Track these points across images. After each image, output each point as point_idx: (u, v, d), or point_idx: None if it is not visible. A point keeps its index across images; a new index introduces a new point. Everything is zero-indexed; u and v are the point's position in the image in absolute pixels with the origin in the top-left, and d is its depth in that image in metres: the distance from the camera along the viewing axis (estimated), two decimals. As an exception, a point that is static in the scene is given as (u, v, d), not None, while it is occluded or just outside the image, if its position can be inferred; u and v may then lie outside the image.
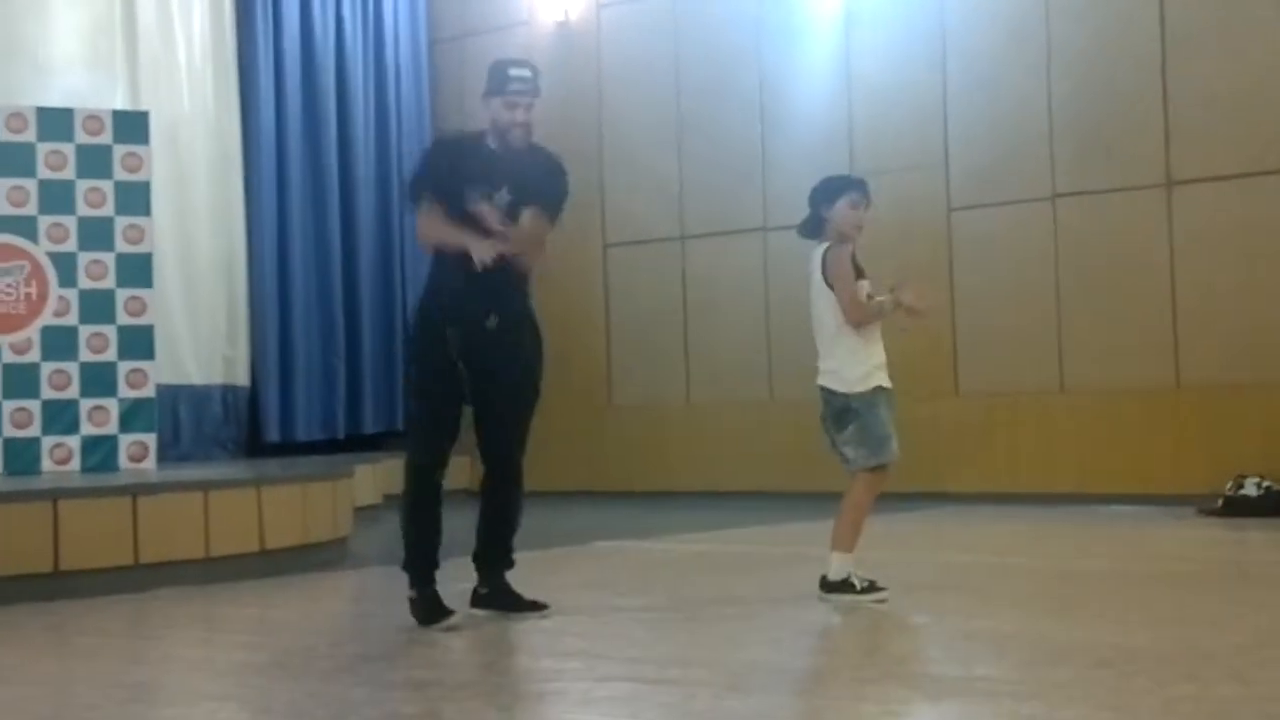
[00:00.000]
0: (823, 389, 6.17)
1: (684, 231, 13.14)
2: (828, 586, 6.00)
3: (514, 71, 5.81)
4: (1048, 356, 11.36)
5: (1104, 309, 11.13)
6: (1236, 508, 9.68)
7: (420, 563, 5.78)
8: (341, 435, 13.41)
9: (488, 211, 5.67)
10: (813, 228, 6.22)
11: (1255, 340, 10.52)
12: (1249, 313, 10.57)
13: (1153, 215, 10.97)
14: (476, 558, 5.99)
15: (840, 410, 6.11)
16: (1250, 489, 9.80)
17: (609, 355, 13.43)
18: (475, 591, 5.98)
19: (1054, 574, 7.12)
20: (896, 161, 11.84)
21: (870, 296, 6.12)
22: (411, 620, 5.71)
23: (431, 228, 5.79)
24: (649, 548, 8.78)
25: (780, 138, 12.59)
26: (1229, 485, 9.90)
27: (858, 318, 6.06)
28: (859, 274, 6.10)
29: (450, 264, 5.73)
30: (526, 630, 5.69)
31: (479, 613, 5.91)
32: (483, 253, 5.58)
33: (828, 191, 6.20)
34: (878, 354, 6.15)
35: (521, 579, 6.07)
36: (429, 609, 5.70)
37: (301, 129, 13.40)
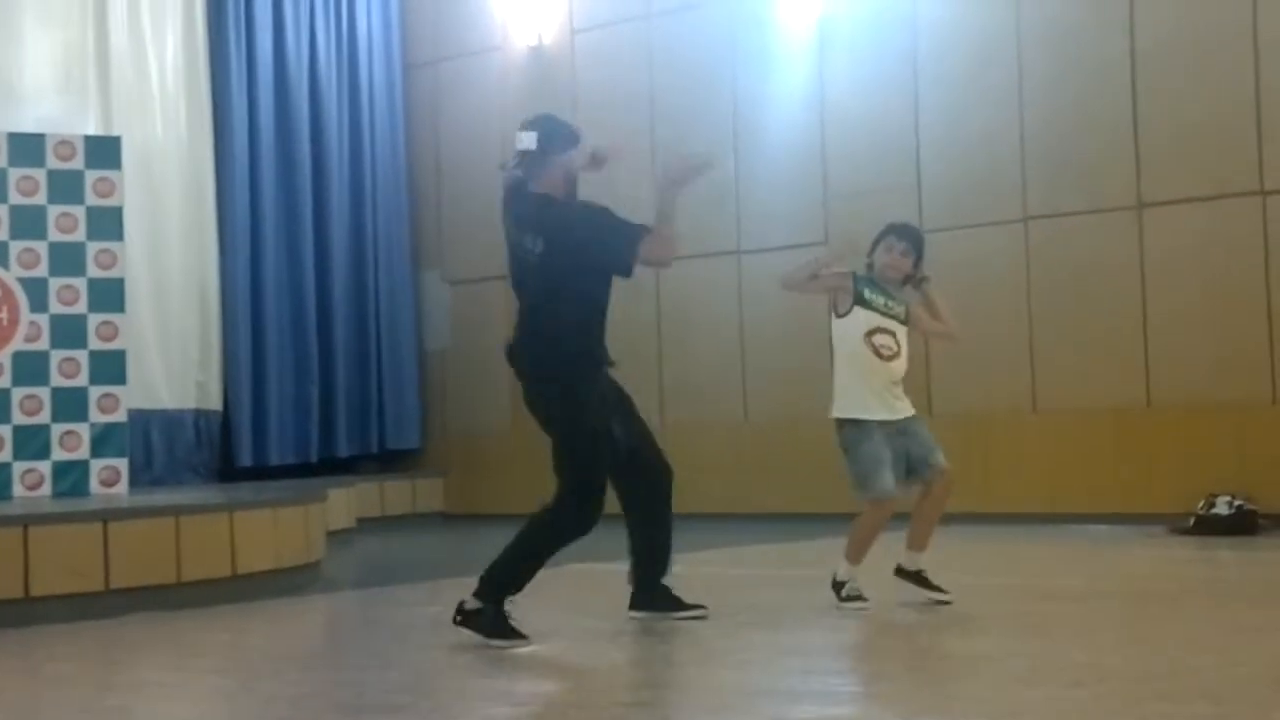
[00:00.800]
0: None
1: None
2: (833, 582, 6.39)
3: (575, 126, 6.37)
4: (1020, 377, 11.39)
5: (1076, 330, 11.17)
6: (1208, 527, 9.72)
7: (518, 588, 5.80)
8: (315, 459, 13.38)
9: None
10: (867, 270, 6.63)
11: (1226, 360, 10.56)
12: (1220, 333, 10.62)
13: (1124, 237, 11.02)
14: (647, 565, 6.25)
15: (839, 441, 6.35)
16: (1222, 508, 9.84)
17: (583, 378, 13.41)
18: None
19: (1027, 594, 7.13)
20: (869, 184, 11.87)
21: (874, 331, 6.45)
22: (386, 643, 5.68)
23: (666, 231, 6.02)
24: (622, 570, 8.75)
25: (754, 162, 12.61)
26: (1200, 504, 9.93)
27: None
28: (863, 303, 6.46)
29: (584, 311, 5.96)
30: (499, 653, 5.67)
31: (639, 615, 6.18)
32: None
33: (874, 241, 6.67)
34: (871, 381, 6.29)
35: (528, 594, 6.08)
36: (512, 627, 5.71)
37: (275, 153, 13.39)
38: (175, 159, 12.69)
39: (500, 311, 13.06)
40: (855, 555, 6.41)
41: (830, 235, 12.06)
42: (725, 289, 12.69)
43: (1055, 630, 5.85)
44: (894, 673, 5.19)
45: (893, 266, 6.56)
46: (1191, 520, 9.83)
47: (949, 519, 10.82)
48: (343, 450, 13.64)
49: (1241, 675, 4.71)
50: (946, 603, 6.39)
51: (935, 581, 6.50)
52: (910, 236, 6.66)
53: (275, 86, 13.45)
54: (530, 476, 12.30)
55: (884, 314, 6.48)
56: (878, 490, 6.32)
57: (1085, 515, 10.61)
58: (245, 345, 13.00)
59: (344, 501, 11.22)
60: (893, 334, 6.50)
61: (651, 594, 6.22)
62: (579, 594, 7.55)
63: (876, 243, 6.62)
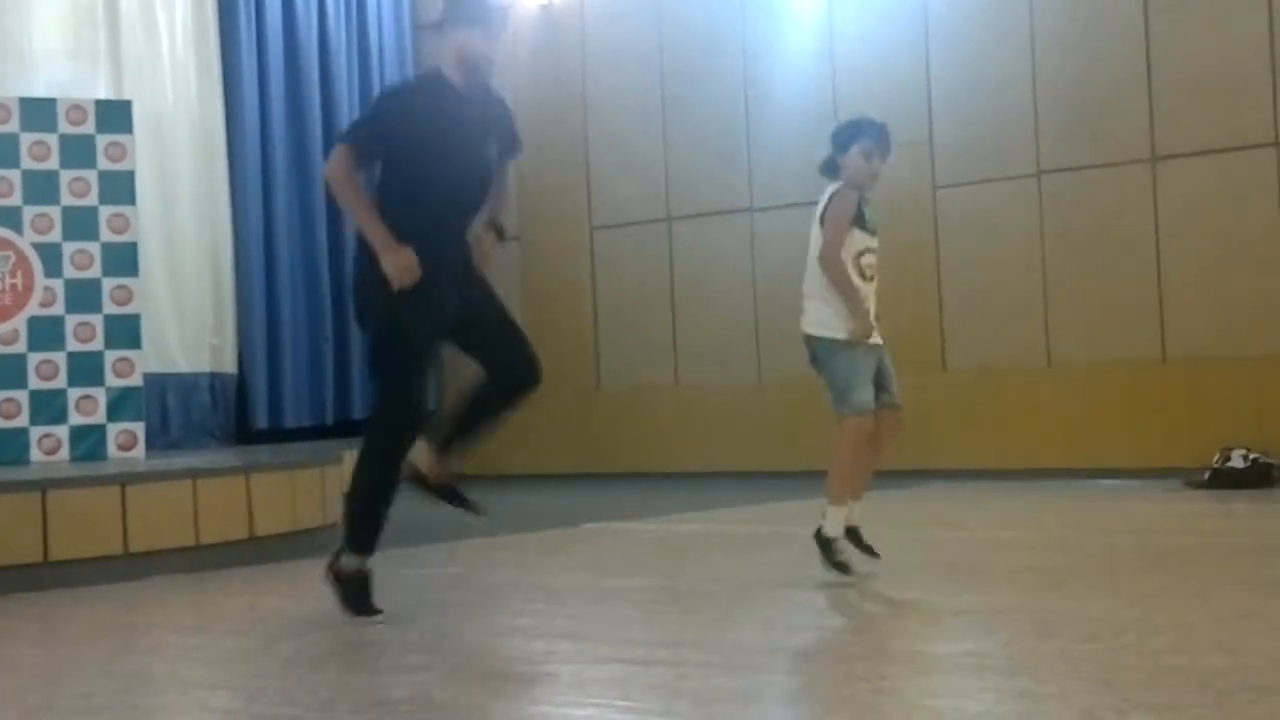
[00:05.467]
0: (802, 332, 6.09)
1: (670, 213, 13.14)
2: (818, 537, 5.94)
3: (492, 1, 5.57)
4: (1034, 331, 11.38)
5: (1090, 284, 11.16)
6: (1223, 480, 9.72)
7: (377, 535, 5.42)
8: (330, 421, 13.41)
9: (488, 246, 5.48)
10: (829, 170, 6.12)
11: (1240, 313, 10.54)
12: (1234, 286, 10.60)
13: (1138, 190, 10.99)
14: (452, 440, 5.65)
15: (811, 355, 6.07)
16: (1237, 461, 9.84)
17: (596, 337, 13.43)
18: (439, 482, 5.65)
19: (1042, 549, 7.14)
20: (881, 140, 11.84)
21: (864, 252, 6.07)
22: (405, 603, 5.70)
23: (351, 191, 5.38)
24: (638, 529, 8.79)
25: (765, 118, 12.59)
26: (1216, 457, 9.93)
27: (830, 257, 5.94)
28: (860, 225, 6.00)
29: (406, 217, 5.37)
30: (517, 613, 5.70)
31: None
32: (400, 275, 5.23)
33: (842, 136, 6.09)
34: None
35: (513, 560, 6.08)
36: (368, 596, 5.41)
37: (285, 116, 13.38)
38: (186, 122, 12.69)
39: (512, 263, 13.06)
40: (835, 490, 5.88)
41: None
42: (738, 247, 12.68)
43: (1070, 584, 5.85)
44: (907, 629, 5.21)
45: (872, 175, 6.04)
46: (1207, 474, 9.83)
47: (963, 474, 10.85)
48: (358, 412, 13.67)
49: (1257, 628, 4.72)
50: (875, 565, 5.97)
51: (867, 540, 6.04)
52: (890, 144, 6.09)
53: (285, 48, 13.43)
54: (548, 434, 12.41)
55: (873, 233, 6.07)
56: (858, 403, 5.87)
57: (1100, 469, 10.62)
58: (259, 308, 13.02)
59: (360, 463, 11.24)
60: (875, 252, 6.07)
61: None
62: (597, 553, 7.58)
63: (849, 142, 6.01)
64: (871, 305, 6.04)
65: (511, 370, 5.61)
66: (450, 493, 5.67)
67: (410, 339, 5.41)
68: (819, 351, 6.04)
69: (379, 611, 5.39)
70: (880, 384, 6.06)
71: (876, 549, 6.09)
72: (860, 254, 6.05)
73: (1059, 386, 11.24)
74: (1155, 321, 10.92)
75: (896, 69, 11.93)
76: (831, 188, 6.10)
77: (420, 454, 5.61)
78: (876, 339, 6.05)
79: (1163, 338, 10.91)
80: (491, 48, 5.48)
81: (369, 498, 5.45)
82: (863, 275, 6.05)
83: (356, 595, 5.41)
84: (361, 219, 5.38)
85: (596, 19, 13.53)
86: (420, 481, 5.62)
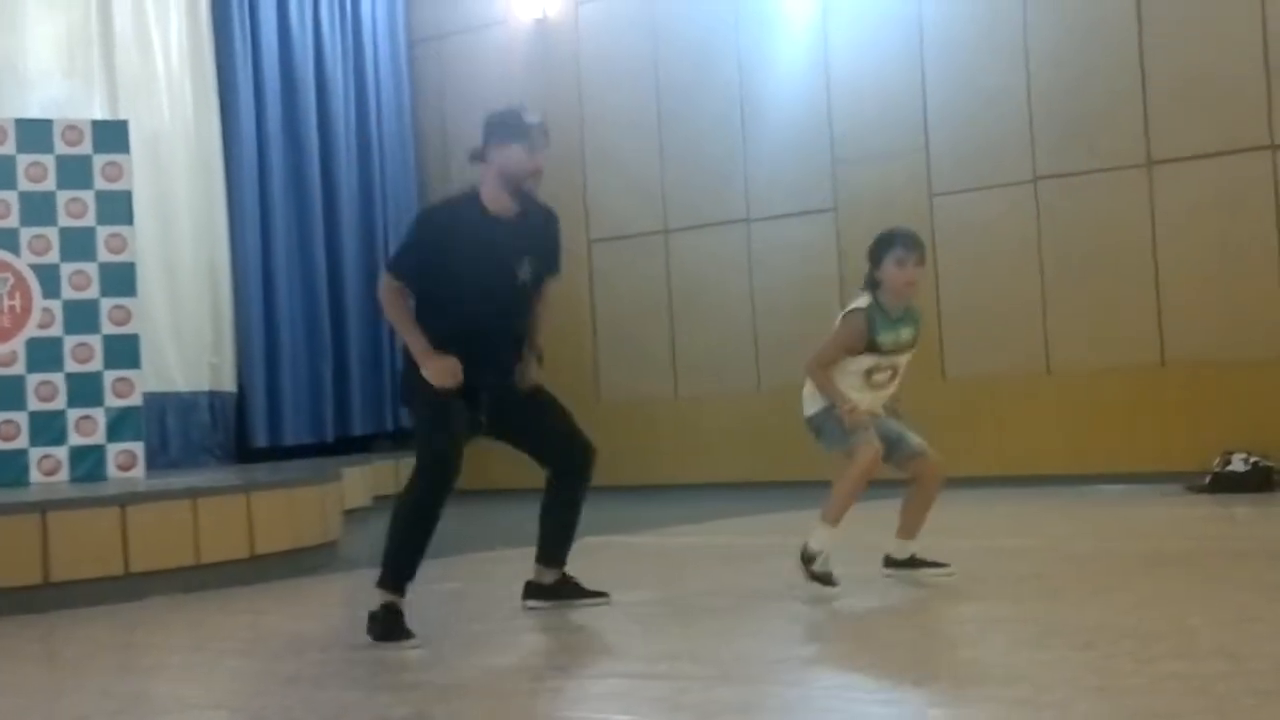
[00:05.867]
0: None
1: (667, 225, 13.15)
2: (803, 553, 5.98)
3: (530, 118, 5.76)
4: (1033, 338, 11.39)
5: (1088, 289, 11.16)
6: (1224, 484, 9.71)
7: (412, 571, 5.66)
8: (330, 438, 13.41)
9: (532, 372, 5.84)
10: (870, 285, 6.14)
11: (1238, 316, 10.55)
12: (1231, 289, 10.60)
13: (1134, 195, 11.00)
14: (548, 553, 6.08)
15: (812, 434, 6.16)
16: (1238, 464, 9.83)
17: (595, 350, 13.44)
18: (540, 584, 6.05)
19: (1042, 556, 7.13)
20: (877, 149, 11.87)
21: (874, 370, 6.08)
22: (405, 620, 5.69)
23: (396, 312, 5.70)
24: (638, 542, 8.79)
25: (760, 129, 12.60)
26: (1216, 461, 9.93)
27: (811, 368, 6.08)
28: (874, 349, 6.03)
29: (437, 325, 5.67)
30: (516, 628, 5.70)
31: (539, 604, 6.00)
32: (438, 377, 5.55)
33: (873, 253, 6.14)
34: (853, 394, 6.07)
35: (511, 575, 6.09)
36: (401, 624, 5.52)
37: (282, 133, 13.39)
38: (182, 141, 12.70)
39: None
40: (836, 514, 5.96)
41: (839, 202, 12.07)
42: (735, 257, 12.69)
43: (1069, 592, 5.85)
44: (907, 638, 5.20)
45: (908, 283, 6.08)
46: (1208, 478, 9.82)
47: (964, 482, 10.86)
48: (357, 428, 13.68)
49: (1258, 632, 4.71)
50: (949, 574, 6.14)
51: (929, 558, 6.22)
52: (920, 246, 6.19)
53: (281, 65, 13.45)
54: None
55: (891, 353, 6.09)
56: (865, 436, 5.93)
57: (1101, 475, 10.61)
58: (258, 326, 13.03)
59: (360, 480, 11.26)
60: (894, 368, 6.13)
61: (553, 583, 6.04)
62: (596, 566, 7.57)
63: (881, 255, 6.08)
64: (882, 397, 6.14)
65: (564, 457, 6.05)
66: (574, 590, 6.05)
67: (447, 423, 5.65)
68: (815, 421, 6.11)
69: (411, 635, 5.44)
70: (894, 432, 6.14)
71: (940, 559, 6.22)
72: (870, 371, 6.07)
73: (1058, 393, 11.24)
74: (1154, 326, 10.92)
75: (891, 78, 11.94)
76: (855, 302, 6.14)
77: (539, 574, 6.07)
78: (871, 408, 6.10)
79: (1161, 342, 10.91)
80: (536, 161, 5.71)
81: (404, 544, 5.63)
82: (869, 384, 6.09)
83: (388, 628, 5.47)
84: (403, 333, 5.74)
85: (591, 33, 13.55)
86: (548, 594, 6.02)
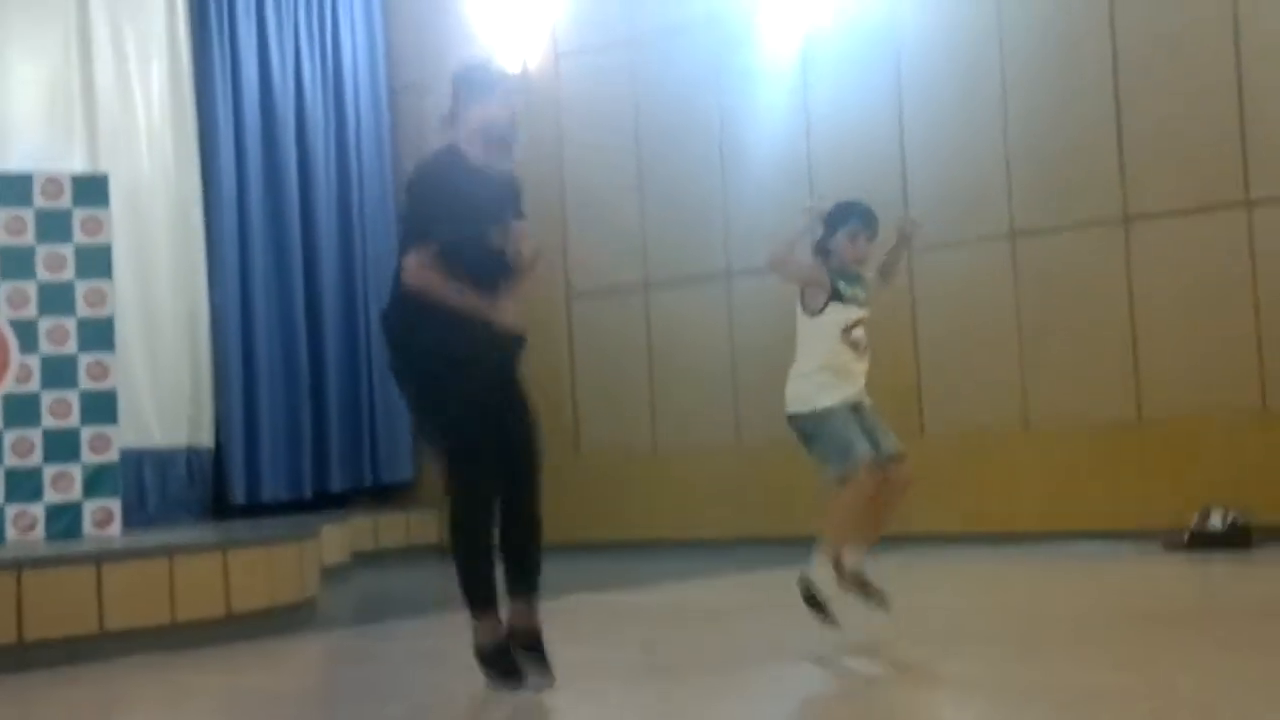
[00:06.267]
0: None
1: (648, 279, 13.17)
2: (801, 579, 6.01)
3: (495, 69, 5.81)
4: (1011, 394, 11.40)
5: (1065, 344, 11.19)
6: (1203, 541, 9.72)
7: (491, 591, 5.47)
8: (308, 494, 13.35)
9: (530, 251, 5.61)
10: (820, 252, 6.25)
11: (1216, 372, 10.57)
12: (1209, 344, 10.63)
13: (1111, 250, 11.04)
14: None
15: (799, 434, 6.17)
16: (1215, 521, 9.83)
17: (574, 404, 13.41)
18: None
19: (1020, 615, 7.13)
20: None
21: (853, 326, 6.13)
22: (383, 679, 5.66)
23: (439, 285, 5.42)
24: (618, 600, 8.76)
25: (741, 182, 12.64)
26: (1194, 518, 9.94)
27: (777, 253, 6.21)
28: (837, 298, 6.13)
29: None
30: (493, 688, 5.66)
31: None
32: (508, 319, 5.43)
33: (831, 221, 6.25)
34: (842, 381, 6.11)
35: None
36: (513, 663, 5.39)
37: (262, 185, 13.37)
38: (162, 193, 12.65)
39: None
40: (835, 539, 5.98)
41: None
42: (715, 310, 12.70)
43: (1048, 651, 5.84)
44: (889, 699, 5.19)
45: (857, 259, 6.26)
46: (1186, 536, 9.82)
47: (941, 539, 10.83)
48: (336, 484, 13.61)
49: (1236, 692, 4.71)
50: (886, 615, 6.07)
51: (876, 584, 6.12)
52: (875, 222, 6.30)
53: (261, 116, 13.43)
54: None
55: (859, 305, 6.20)
56: (858, 457, 5.98)
57: (1079, 532, 10.60)
58: (237, 381, 12.95)
59: (338, 536, 11.19)
60: (865, 323, 6.20)
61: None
62: (575, 624, 7.55)
63: (836, 226, 6.23)
64: (861, 371, 6.18)
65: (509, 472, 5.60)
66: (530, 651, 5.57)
67: (474, 447, 5.45)
68: (805, 427, 6.11)
69: (522, 675, 5.37)
70: (873, 439, 6.14)
71: (885, 596, 6.13)
72: (849, 328, 6.12)
73: (1036, 449, 11.24)
74: (1131, 381, 10.94)
75: (870, 131, 11.98)
76: None
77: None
78: (855, 397, 6.16)
79: (1138, 397, 10.93)
80: (509, 110, 5.70)
81: (467, 564, 5.48)
82: (855, 349, 6.14)
83: (502, 670, 5.39)
84: (454, 302, 5.43)
85: (572, 83, 13.59)
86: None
